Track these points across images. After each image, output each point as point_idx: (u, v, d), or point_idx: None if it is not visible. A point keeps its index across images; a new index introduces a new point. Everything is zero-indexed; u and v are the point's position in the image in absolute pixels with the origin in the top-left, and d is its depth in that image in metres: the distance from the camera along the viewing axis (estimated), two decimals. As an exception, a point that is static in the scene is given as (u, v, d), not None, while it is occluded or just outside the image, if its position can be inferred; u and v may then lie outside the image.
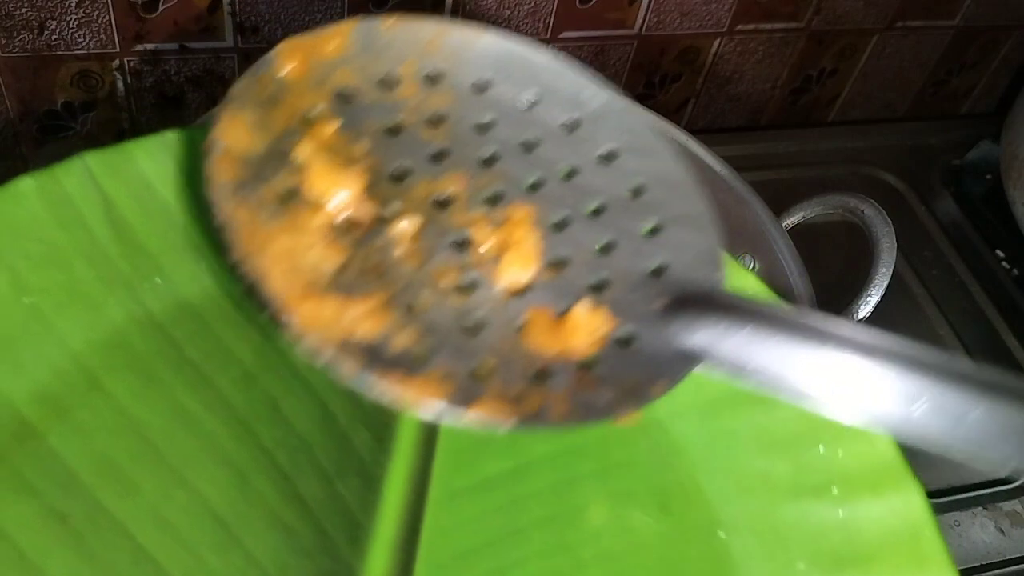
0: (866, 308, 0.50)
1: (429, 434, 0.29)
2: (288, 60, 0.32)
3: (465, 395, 0.27)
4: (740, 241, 0.56)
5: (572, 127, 0.35)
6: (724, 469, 0.30)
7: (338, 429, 0.28)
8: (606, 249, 0.32)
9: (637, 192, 0.34)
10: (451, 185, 0.32)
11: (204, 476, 0.25)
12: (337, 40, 0.33)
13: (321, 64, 0.33)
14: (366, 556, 0.26)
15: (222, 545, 0.25)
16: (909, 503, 0.29)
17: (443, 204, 0.32)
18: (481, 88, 0.35)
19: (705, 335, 0.30)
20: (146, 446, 0.25)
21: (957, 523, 0.60)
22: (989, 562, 0.58)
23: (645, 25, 0.70)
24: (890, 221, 0.51)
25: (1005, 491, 0.62)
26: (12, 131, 0.62)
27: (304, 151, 0.30)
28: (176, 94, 0.64)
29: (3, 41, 0.57)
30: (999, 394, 0.27)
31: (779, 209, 0.55)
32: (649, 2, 0.68)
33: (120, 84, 0.62)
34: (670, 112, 0.77)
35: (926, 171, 0.82)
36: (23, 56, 0.58)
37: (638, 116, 0.36)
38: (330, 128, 0.31)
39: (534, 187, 0.33)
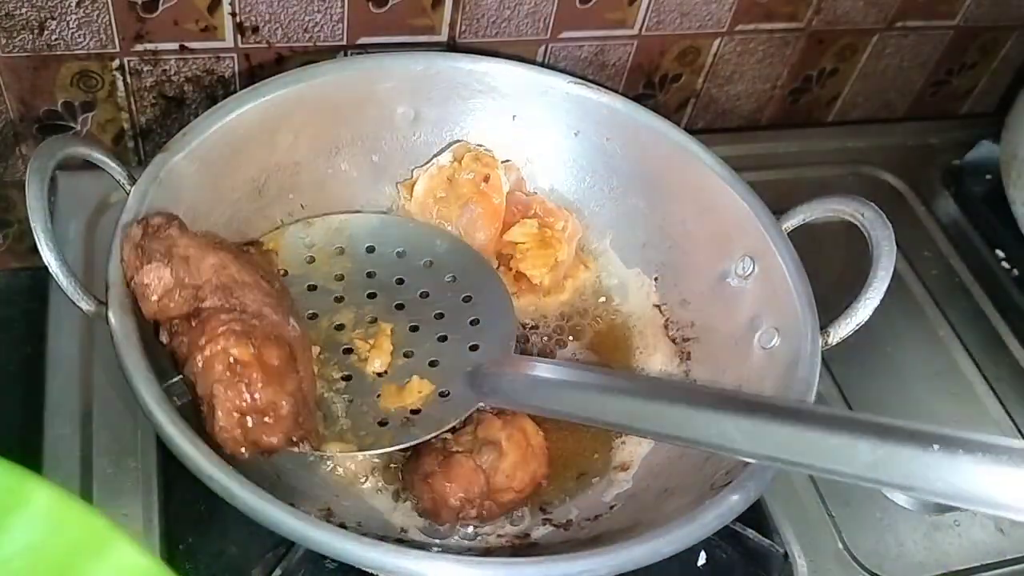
0: (865, 310, 0.50)
1: None
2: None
3: (335, 439, 0.49)
4: (739, 243, 0.56)
5: (428, 264, 0.58)
6: None
7: None
8: (443, 339, 0.54)
9: (467, 299, 0.56)
10: (343, 318, 0.54)
11: None
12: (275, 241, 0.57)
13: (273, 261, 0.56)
14: None
15: None
16: None
17: (339, 328, 0.54)
18: (370, 250, 0.58)
19: (487, 387, 0.51)
20: None
21: (957, 523, 0.60)
22: (989, 562, 0.58)
23: (645, 25, 0.70)
24: (890, 224, 0.51)
25: (1005, 491, 0.62)
26: (12, 131, 0.62)
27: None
28: (176, 94, 0.64)
29: (3, 41, 0.57)
30: None
31: (779, 210, 0.55)
32: (649, 2, 0.68)
33: (120, 84, 0.62)
34: (670, 112, 0.77)
35: (926, 171, 0.82)
36: (23, 56, 0.58)
37: (469, 251, 0.58)
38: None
39: (400, 307, 0.55)
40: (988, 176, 0.81)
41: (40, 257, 0.44)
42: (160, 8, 0.58)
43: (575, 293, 0.62)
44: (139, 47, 0.60)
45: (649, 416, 0.44)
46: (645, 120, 0.60)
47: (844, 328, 0.51)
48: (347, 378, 0.52)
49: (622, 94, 0.61)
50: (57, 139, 0.47)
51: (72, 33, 0.58)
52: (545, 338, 0.60)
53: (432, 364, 0.53)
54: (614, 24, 0.69)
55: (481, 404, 0.51)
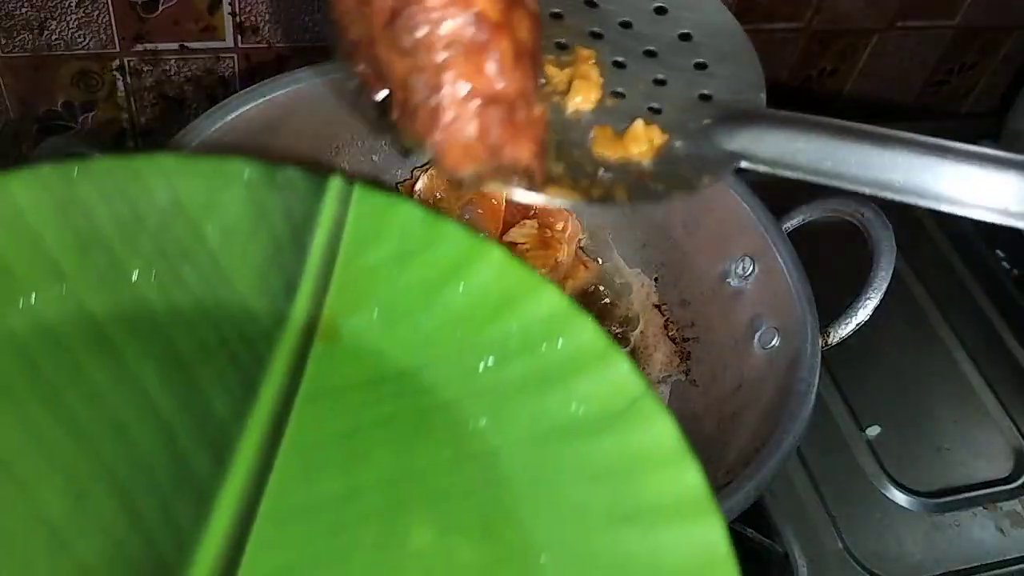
0: (865, 311, 0.50)
1: (267, 455, 0.30)
2: None
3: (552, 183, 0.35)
4: (739, 243, 0.56)
5: None
6: (547, 497, 0.31)
7: (179, 448, 0.29)
8: (660, 82, 0.40)
9: (685, 37, 0.42)
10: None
11: (43, 485, 0.27)
12: None
13: None
14: (190, 568, 0.28)
15: (52, 551, 0.27)
16: (710, 535, 0.32)
17: None
18: None
19: (745, 139, 0.38)
20: None
21: (957, 523, 0.60)
22: (989, 562, 0.58)
23: (645, 25, 0.70)
24: (890, 224, 0.51)
25: (1005, 491, 0.62)
26: (12, 131, 0.62)
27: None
28: (176, 94, 0.64)
29: (3, 41, 0.57)
30: None
31: (779, 211, 0.55)
32: (649, 2, 0.68)
33: (120, 84, 0.62)
34: (670, 112, 0.77)
35: (926, 171, 0.82)
36: (23, 56, 0.58)
37: None
38: None
39: (596, 35, 0.40)
40: (988, 176, 0.81)
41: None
42: (160, 8, 0.58)
43: (575, 294, 0.62)
44: (139, 47, 0.60)
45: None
46: (646, 119, 0.59)
47: (844, 328, 0.51)
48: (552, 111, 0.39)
49: (622, 94, 0.61)
50: (57, 139, 0.47)
51: (72, 33, 0.58)
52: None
53: (653, 111, 0.39)
54: (614, 24, 0.69)
55: (741, 164, 0.38)
